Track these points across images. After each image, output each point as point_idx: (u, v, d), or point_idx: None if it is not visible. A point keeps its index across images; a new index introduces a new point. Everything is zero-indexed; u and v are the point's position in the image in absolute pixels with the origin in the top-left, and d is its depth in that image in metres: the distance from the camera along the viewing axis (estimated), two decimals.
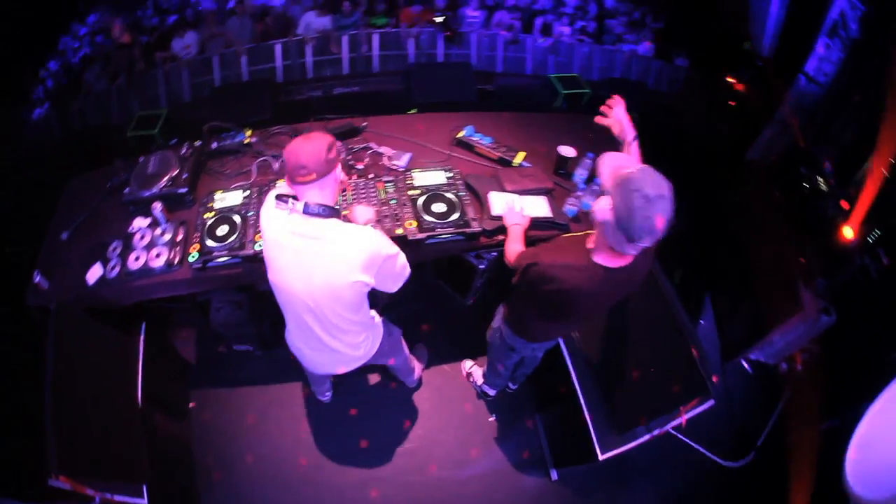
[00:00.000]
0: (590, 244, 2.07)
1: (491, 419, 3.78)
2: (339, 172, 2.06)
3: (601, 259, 2.02)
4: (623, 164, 1.88)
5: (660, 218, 1.72)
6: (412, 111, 5.05)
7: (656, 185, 1.73)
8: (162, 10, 6.25)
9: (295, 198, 1.99)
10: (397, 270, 2.27)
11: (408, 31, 6.41)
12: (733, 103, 5.98)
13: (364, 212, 2.56)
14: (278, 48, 5.95)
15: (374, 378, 3.89)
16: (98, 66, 5.76)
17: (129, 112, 5.47)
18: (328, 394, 3.70)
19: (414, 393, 3.85)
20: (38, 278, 2.83)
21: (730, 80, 6.04)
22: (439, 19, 6.43)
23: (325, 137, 1.99)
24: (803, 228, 4.21)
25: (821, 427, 3.29)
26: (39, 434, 2.51)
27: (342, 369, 2.70)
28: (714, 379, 2.78)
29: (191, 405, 3.76)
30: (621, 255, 1.95)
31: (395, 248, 2.21)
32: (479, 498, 3.51)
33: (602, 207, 1.85)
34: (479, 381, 3.77)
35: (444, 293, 4.25)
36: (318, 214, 1.98)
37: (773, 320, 3.78)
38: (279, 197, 2.02)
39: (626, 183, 1.75)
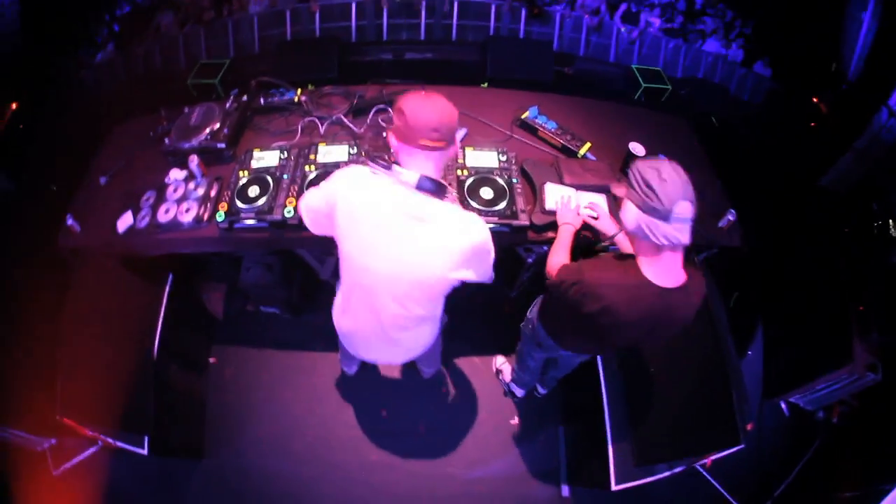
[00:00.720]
0: (635, 255, 1.91)
1: (513, 421, 3.61)
2: (457, 142, 1.83)
3: (651, 273, 1.84)
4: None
5: (676, 176, 1.70)
6: (484, 85, 4.81)
7: (656, 160, 1.77)
8: None
9: (394, 163, 1.75)
10: (491, 263, 2.01)
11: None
12: (814, 124, 5.56)
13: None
14: (353, 7, 5.75)
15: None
16: (170, 12, 5.71)
17: (195, 60, 5.40)
18: (355, 367, 3.52)
19: (439, 382, 3.70)
20: (70, 221, 2.82)
21: (814, 100, 5.58)
22: None
23: (447, 101, 1.74)
24: (866, 273, 3.88)
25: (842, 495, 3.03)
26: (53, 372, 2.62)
27: (391, 359, 2.49)
28: (749, 427, 2.51)
29: (211, 360, 3.76)
30: (670, 253, 1.80)
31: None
32: (483, 500, 3.38)
33: (626, 211, 1.80)
34: (508, 378, 3.58)
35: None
36: (431, 191, 1.73)
37: (820, 366, 3.48)
38: (375, 159, 1.77)
39: (635, 174, 1.75)
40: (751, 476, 3.44)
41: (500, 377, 3.69)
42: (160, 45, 5.67)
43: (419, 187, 1.71)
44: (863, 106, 5.06)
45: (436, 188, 1.73)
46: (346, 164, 2.79)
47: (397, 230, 1.79)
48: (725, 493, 3.31)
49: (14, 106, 4.94)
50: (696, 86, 6.08)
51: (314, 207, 2.02)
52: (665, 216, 1.67)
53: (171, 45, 5.63)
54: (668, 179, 1.66)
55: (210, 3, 5.78)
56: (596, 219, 2.53)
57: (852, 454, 3.30)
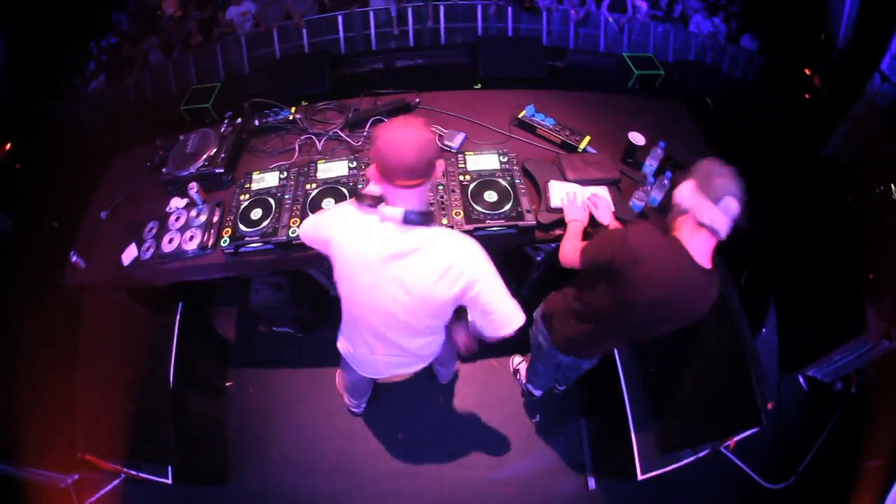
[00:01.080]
0: (675, 229, 2.04)
1: (534, 420, 3.61)
2: (440, 168, 1.76)
3: (690, 245, 1.96)
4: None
5: (735, 179, 1.87)
6: (477, 86, 4.79)
7: (730, 173, 1.89)
8: None
9: (381, 200, 1.75)
10: (491, 272, 1.92)
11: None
12: (808, 96, 5.53)
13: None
14: (340, 19, 5.73)
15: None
16: (154, 40, 5.70)
17: (186, 86, 5.39)
18: (363, 405, 3.54)
19: (457, 386, 3.71)
20: (74, 258, 2.81)
21: (806, 71, 5.54)
22: None
23: (425, 128, 1.68)
24: (874, 240, 3.81)
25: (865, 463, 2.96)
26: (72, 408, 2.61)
27: (400, 372, 2.46)
28: (769, 406, 2.48)
29: (228, 384, 3.76)
30: (708, 235, 1.93)
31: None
32: (511, 500, 3.36)
33: (683, 187, 1.98)
34: (525, 379, 3.56)
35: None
36: (417, 223, 1.73)
37: (835, 338, 3.48)
38: (362, 200, 1.78)
39: (702, 164, 1.95)
40: (774, 452, 3.41)
41: (518, 377, 3.66)
42: (150, 74, 5.66)
43: (406, 221, 1.71)
44: (855, 73, 5.04)
45: (422, 219, 1.73)
46: (346, 178, 2.78)
47: (387, 269, 1.80)
48: (750, 472, 3.29)
49: (8, 146, 4.93)
50: (688, 68, 6.03)
51: (312, 239, 2.07)
52: (716, 199, 1.84)
53: (161, 73, 5.62)
54: (728, 177, 1.86)
55: (196, 28, 5.77)
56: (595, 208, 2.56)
57: (874, 423, 3.25)
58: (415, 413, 3.59)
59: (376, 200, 1.76)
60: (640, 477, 2.75)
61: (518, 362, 3.70)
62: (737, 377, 2.56)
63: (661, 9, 6.47)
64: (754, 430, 2.55)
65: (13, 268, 3.88)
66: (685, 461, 2.80)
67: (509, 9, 6.01)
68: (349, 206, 1.87)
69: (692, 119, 3.57)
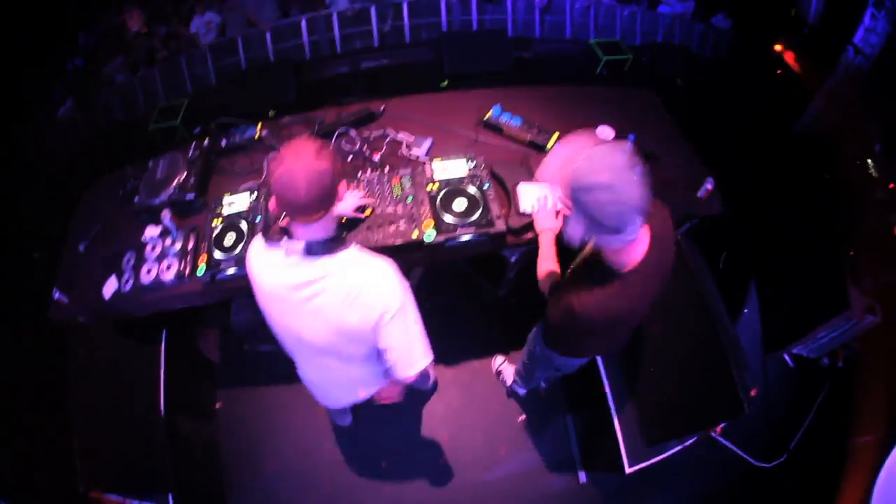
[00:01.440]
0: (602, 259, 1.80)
1: (521, 418, 3.66)
2: (343, 191, 1.72)
3: (621, 262, 1.74)
4: (566, 156, 1.60)
5: (635, 190, 1.47)
6: (443, 84, 4.79)
7: (612, 163, 1.48)
8: None
9: (287, 232, 1.73)
10: (406, 300, 1.86)
11: None
12: (780, 72, 5.53)
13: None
14: (304, 23, 5.68)
15: None
16: (121, 59, 5.64)
17: (155, 102, 5.35)
18: (349, 418, 3.57)
19: (442, 392, 3.74)
20: (57, 294, 2.79)
21: (777, 47, 5.55)
22: None
23: (320, 152, 1.61)
24: (852, 216, 3.87)
25: (855, 440, 3.05)
26: (67, 444, 2.67)
27: (363, 395, 2.43)
28: (752, 393, 2.51)
29: (217, 405, 3.78)
30: (630, 244, 1.68)
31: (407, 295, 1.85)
32: (505, 499, 3.44)
33: (575, 230, 1.60)
34: (510, 380, 3.57)
35: (474, 284, 4.04)
36: (322, 252, 1.71)
37: (818, 315, 3.51)
38: (268, 237, 1.77)
39: (576, 182, 1.51)
40: (764, 432, 3.48)
41: (501, 378, 3.70)
42: (118, 93, 5.60)
43: (308, 253, 1.70)
44: (828, 47, 5.03)
45: (326, 248, 1.71)
46: None
47: (298, 301, 1.78)
48: (741, 453, 3.35)
49: None
50: (657, 50, 6.05)
51: None
52: (619, 230, 1.55)
53: (128, 92, 5.56)
54: (625, 199, 1.47)
55: (161, 43, 5.71)
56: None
57: (862, 397, 3.30)
58: (403, 421, 3.64)
59: (283, 233, 1.74)
60: (627, 470, 2.80)
61: (500, 363, 3.74)
62: (716, 367, 2.60)
63: None
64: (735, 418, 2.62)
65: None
66: (672, 451, 2.86)
67: (473, 0, 5.97)
68: (258, 242, 1.85)
69: (662, 105, 3.57)
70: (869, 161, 4.16)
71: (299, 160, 1.58)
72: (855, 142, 4.31)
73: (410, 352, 1.89)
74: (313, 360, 2.13)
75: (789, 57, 5.54)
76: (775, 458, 3.42)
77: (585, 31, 6.23)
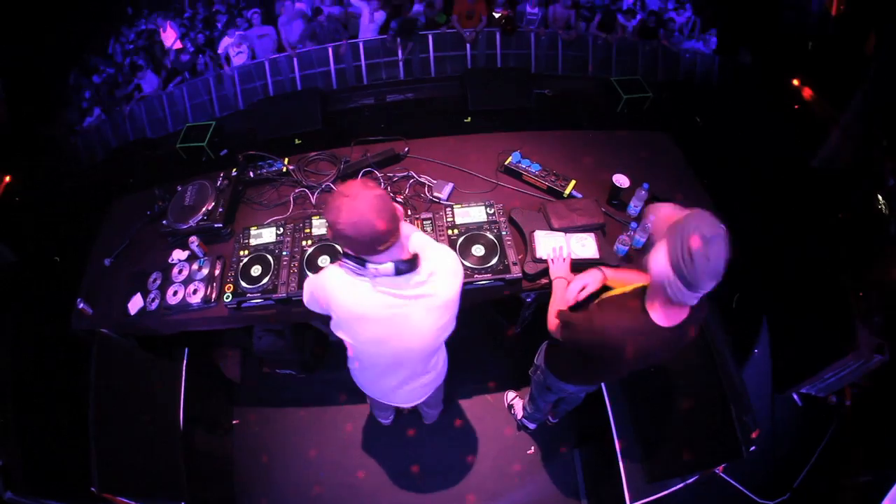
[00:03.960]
0: (646, 300, 1.91)
1: (530, 451, 3.72)
2: (400, 210, 1.81)
3: (658, 317, 1.87)
4: (672, 212, 1.73)
5: (720, 257, 1.59)
6: (467, 119, 4.88)
7: (712, 225, 1.60)
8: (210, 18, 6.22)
9: (362, 261, 1.76)
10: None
11: (463, 32, 6.10)
12: (797, 107, 5.56)
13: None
14: (330, 51, 5.82)
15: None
16: (149, 72, 5.79)
17: (180, 119, 5.47)
18: (391, 416, 3.69)
19: (454, 421, 3.81)
20: (81, 304, 2.91)
21: (796, 82, 5.60)
22: (497, 14, 6.13)
23: (366, 184, 1.72)
24: (863, 255, 3.91)
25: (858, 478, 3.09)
26: (84, 444, 2.68)
27: (426, 394, 2.61)
28: (754, 434, 2.56)
29: (234, 422, 3.88)
30: (680, 306, 1.82)
31: None
32: None
33: (657, 259, 1.70)
34: (520, 414, 3.66)
35: (491, 321, 4.12)
36: (409, 270, 1.79)
37: (826, 356, 3.51)
38: (347, 265, 1.80)
39: (681, 227, 1.63)
40: (768, 469, 3.50)
41: (513, 412, 3.77)
42: (145, 107, 5.74)
43: (398, 273, 1.76)
44: (845, 81, 5.03)
45: (411, 265, 1.78)
46: None
47: (391, 319, 1.88)
48: (744, 489, 3.33)
49: (7, 179, 5.00)
50: (677, 88, 6.12)
51: (314, 305, 2.12)
52: (690, 286, 1.64)
53: (155, 106, 5.70)
54: (712, 258, 1.58)
55: (192, 61, 5.85)
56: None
57: (869, 436, 3.34)
58: (415, 447, 3.71)
59: (360, 260, 1.76)
60: None
61: (512, 398, 3.81)
62: (717, 410, 2.66)
63: (648, 28, 6.51)
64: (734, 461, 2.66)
65: (21, 300, 3.96)
66: (674, 488, 2.88)
67: (497, 35, 6.08)
68: (338, 270, 1.88)
69: (677, 148, 3.64)
70: (880, 197, 4.15)
71: (359, 199, 1.63)
72: (869, 180, 4.32)
73: None
74: (403, 366, 2.25)
75: (807, 92, 5.58)
76: (778, 496, 3.42)
77: (608, 67, 6.32)
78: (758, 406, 3.48)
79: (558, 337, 2.22)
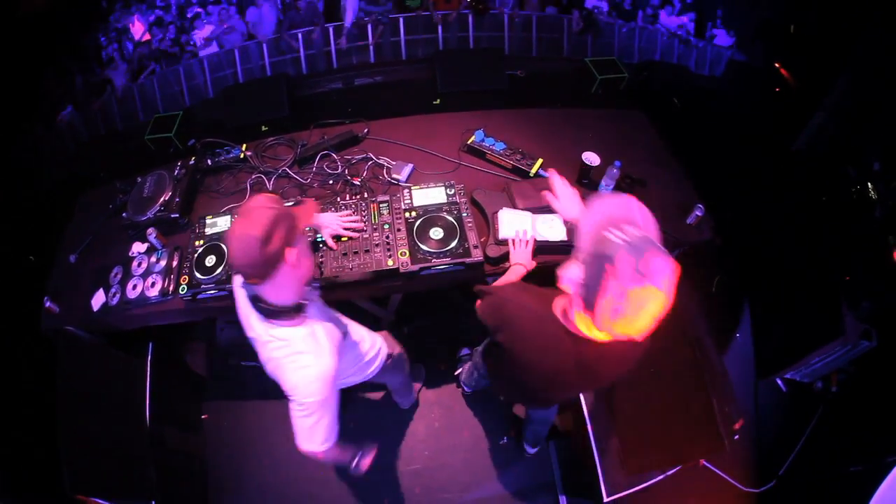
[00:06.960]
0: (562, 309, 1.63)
1: (502, 442, 3.67)
2: (293, 259, 1.59)
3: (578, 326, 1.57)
4: (613, 216, 1.40)
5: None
6: (436, 102, 4.81)
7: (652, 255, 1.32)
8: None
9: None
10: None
11: (437, 16, 6.01)
12: (778, 89, 5.47)
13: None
14: (300, 37, 5.73)
15: (379, 396, 3.80)
16: (124, 66, 5.70)
17: (152, 111, 5.40)
18: (413, 397, 3.71)
19: (425, 412, 3.77)
20: (48, 303, 2.88)
21: (776, 64, 5.52)
22: None
23: (262, 219, 1.51)
24: (849, 239, 3.79)
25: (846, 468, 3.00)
26: (52, 444, 2.62)
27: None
28: (737, 425, 2.52)
29: (203, 417, 3.83)
30: None
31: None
32: None
33: (571, 278, 1.46)
34: (464, 376, 3.58)
35: (452, 304, 4.07)
36: (275, 320, 1.72)
37: (813, 341, 3.45)
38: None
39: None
40: (753, 457, 3.45)
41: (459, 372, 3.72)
42: (116, 100, 5.65)
43: (263, 315, 1.74)
44: (829, 63, 4.86)
45: (283, 317, 1.74)
46: None
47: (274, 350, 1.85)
48: (728, 478, 3.25)
49: None
50: (654, 69, 6.03)
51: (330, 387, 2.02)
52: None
53: (127, 99, 5.62)
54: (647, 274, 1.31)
55: (160, 52, 5.76)
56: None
57: (855, 424, 3.29)
58: (385, 440, 3.65)
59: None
60: (605, 499, 2.76)
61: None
62: (699, 403, 2.64)
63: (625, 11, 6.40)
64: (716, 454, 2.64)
65: None
66: (653, 480, 2.81)
67: (470, 17, 5.99)
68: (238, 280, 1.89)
69: (652, 126, 3.57)
70: (868, 185, 4.06)
71: (237, 223, 1.54)
72: (854, 164, 4.19)
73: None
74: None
75: (788, 73, 5.51)
76: (764, 484, 3.38)
77: (583, 49, 6.21)
78: (740, 392, 3.46)
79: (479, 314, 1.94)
